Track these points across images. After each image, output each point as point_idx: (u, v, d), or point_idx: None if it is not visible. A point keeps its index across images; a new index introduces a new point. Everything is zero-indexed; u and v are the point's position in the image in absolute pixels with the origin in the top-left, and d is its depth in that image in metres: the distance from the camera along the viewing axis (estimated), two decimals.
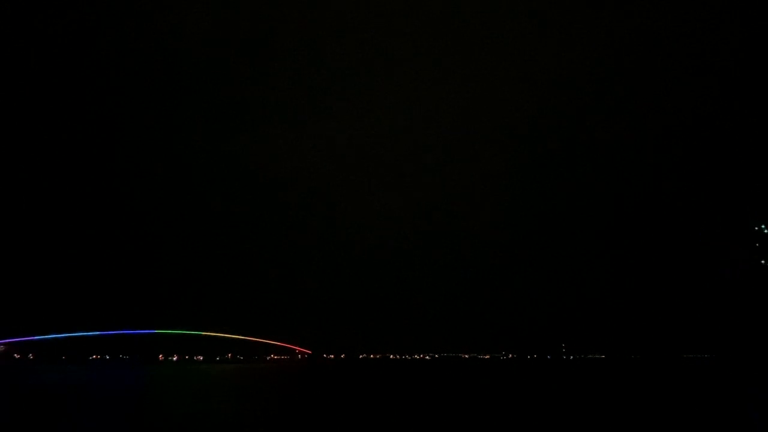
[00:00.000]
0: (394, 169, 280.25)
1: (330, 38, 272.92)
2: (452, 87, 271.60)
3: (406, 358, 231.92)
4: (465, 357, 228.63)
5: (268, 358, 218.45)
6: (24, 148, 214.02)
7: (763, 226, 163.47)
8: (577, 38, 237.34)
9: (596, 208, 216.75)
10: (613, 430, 23.50)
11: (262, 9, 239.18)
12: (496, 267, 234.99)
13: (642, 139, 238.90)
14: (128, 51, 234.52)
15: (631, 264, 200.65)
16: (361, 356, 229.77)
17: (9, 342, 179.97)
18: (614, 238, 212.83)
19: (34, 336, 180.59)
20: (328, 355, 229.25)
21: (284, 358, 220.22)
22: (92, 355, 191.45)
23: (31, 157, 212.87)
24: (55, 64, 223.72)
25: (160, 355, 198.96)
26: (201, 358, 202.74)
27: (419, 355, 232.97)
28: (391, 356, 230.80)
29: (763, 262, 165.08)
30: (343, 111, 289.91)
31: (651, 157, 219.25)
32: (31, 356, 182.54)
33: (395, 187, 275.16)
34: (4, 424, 24.32)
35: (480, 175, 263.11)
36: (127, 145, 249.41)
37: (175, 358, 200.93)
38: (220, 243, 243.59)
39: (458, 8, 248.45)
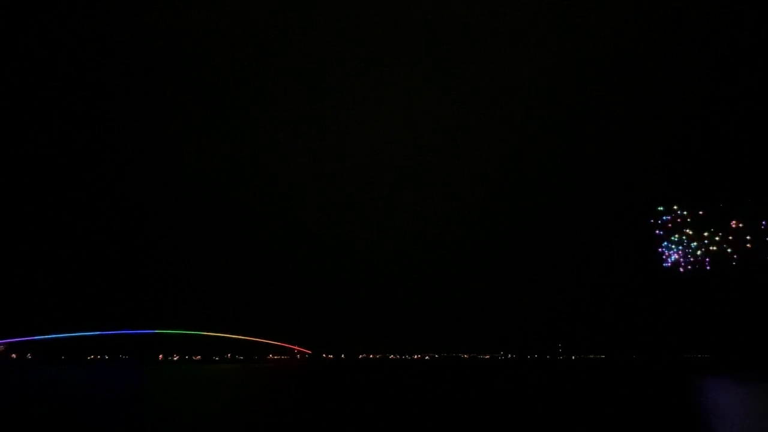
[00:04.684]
0: (394, 171, 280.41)
1: (335, 40, 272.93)
2: (455, 89, 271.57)
3: (406, 358, 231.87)
4: (465, 357, 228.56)
5: (267, 358, 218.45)
6: (25, 148, 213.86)
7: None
8: (576, 40, 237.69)
9: (596, 207, 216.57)
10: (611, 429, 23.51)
11: (267, 10, 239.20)
12: (496, 267, 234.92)
13: (642, 139, 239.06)
14: (132, 51, 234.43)
15: (630, 264, 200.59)
16: (361, 356, 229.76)
17: (9, 342, 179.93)
18: (614, 237, 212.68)
19: (34, 336, 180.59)
20: (327, 355, 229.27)
21: (284, 358, 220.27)
22: (91, 355, 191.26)
23: (32, 157, 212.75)
24: (57, 64, 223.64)
25: (160, 355, 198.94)
26: (200, 358, 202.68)
27: (419, 355, 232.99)
28: (391, 356, 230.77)
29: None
30: (343, 113, 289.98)
31: (651, 157, 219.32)
32: (29, 356, 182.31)
33: (395, 188, 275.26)
34: (4, 425, 24.31)
35: (479, 175, 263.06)
36: (127, 145, 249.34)
37: (175, 358, 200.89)
38: (220, 243, 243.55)
39: (461, 11, 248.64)
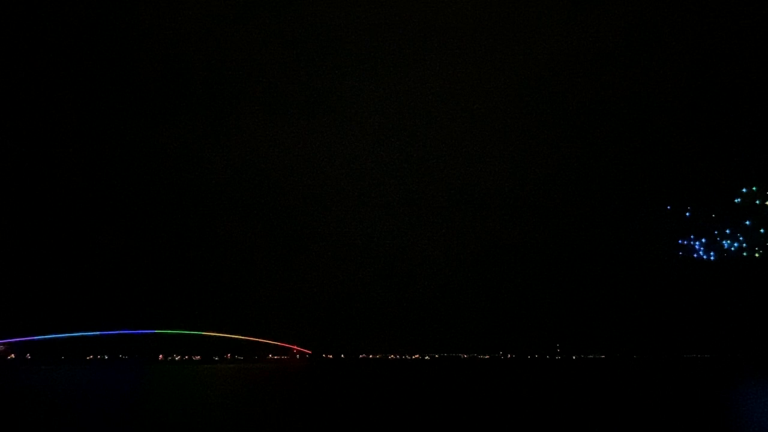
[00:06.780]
0: (394, 170, 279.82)
1: (329, 37, 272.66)
2: (455, 89, 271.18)
3: (406, 358, 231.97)
4: (465, 357, 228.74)
5: (267, 358, 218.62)
6: (24, 148, 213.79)
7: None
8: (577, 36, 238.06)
9: (596, 207, 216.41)
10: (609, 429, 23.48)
11: (266, 10, 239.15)
12: (495, 267, 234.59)
13: (641, 138, 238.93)
14: (131, 51, 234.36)
15: (630, 263, 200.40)
16: (361, 356, 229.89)
17: (9, 342, 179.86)
18: (614, 237, 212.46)
19: (33, 336, 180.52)
20: (327, 355, 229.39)
21: (284, 358, 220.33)
22: (91, 355, 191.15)
23: (31, 157, 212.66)
24: (56, 64, 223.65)
25: (160, 355, 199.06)
26: (200, 358, 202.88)
27: (419, 355, 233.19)
28: (391, 356, 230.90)
29: (757, 255, 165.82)
30: (343, 110, 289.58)
31: (650, 156, 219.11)
32: (28, 356, 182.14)
33: (395, 188, 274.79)
34: (4, 425, 24.29)
35: (479, 175, 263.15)
36: (125, 144, 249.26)
37: (177, 358, 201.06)
38: (220, 243, 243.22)
39: (461, 11, 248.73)
